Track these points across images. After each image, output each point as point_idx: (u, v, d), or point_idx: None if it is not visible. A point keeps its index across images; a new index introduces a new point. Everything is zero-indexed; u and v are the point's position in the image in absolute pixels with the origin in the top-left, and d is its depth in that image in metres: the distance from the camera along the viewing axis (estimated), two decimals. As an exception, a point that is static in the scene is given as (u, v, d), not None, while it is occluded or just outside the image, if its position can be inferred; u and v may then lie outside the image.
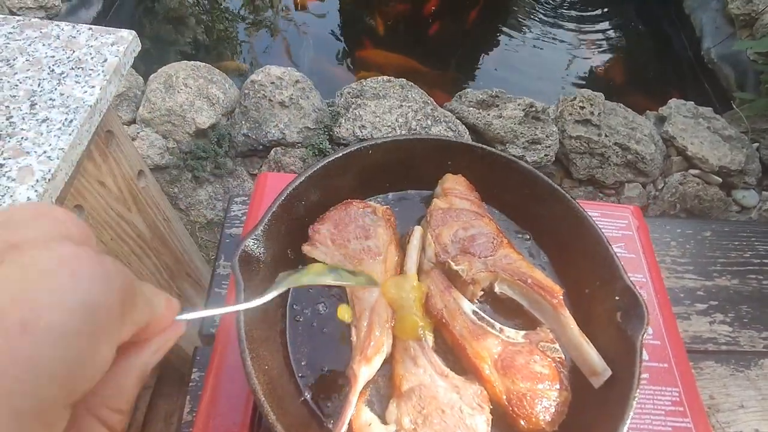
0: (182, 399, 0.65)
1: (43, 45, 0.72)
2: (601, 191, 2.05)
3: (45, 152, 0.62)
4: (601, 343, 0.49)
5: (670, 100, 2.10)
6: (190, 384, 0.66)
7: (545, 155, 1.96)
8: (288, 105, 1.98)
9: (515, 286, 0.51)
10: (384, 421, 0.46)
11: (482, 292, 0.52)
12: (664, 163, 2.02)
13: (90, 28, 0.75)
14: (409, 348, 0.47)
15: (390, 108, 2.02)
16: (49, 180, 0.60)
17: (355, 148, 0.55)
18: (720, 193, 1.98)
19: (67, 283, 0.20)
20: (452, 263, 0.51)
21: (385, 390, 0.49)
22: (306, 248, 0.53)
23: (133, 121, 1.93)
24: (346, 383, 0.48)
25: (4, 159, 0.60)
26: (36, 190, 0.59)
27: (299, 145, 1.98)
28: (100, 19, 2.43)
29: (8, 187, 0.58)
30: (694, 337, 0.76)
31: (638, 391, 0.43)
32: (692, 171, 1.99)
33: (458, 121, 2.04)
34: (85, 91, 0.68)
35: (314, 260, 0.54)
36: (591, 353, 0.47)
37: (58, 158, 0.62)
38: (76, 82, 0.69)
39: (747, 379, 0.74)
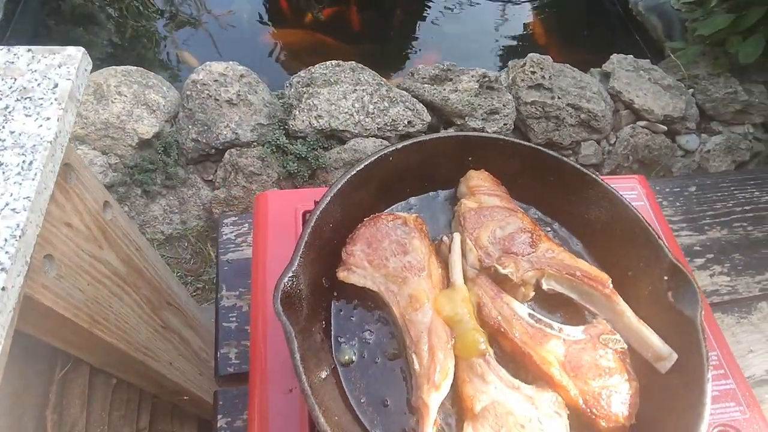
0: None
1: (-27, 75, 0.61)
2: (559, 153, 2.10)
3: (7, 204, 0.53)
4: (655, 326, 0.48)
5: (612, 56, 2.16)
6: (219, 432, 0.60)
7: (504, 125, 1.97)
8: (236, 102, 1.86)
9: (563, 280, 0.50)
10: (461, 446, 0.43)
11: (534, 293, 0.51)
12: (614, 118, 2.10)
13: (29, 50, 0.64)
14: (474, 366, 0.45)
15: (344, 93, 1.95)
16: (19, 237, 0.51)
17: (377, 156, 0.51)
18: (666, 141, 2.09)
19: None
20: (499, 267, 0.49)
21: (454, 412, 0.46)
22: (342, 274, 0.49)
23: (66, 140, 1.74)
24: (414, 414, 0.45)
25: (-42, 220, 0.51)
26: (7, 252, 0.50)
27: (255, 143, 1.88)
28: (4, 27, 2.16)
29: (-29, 254, 0.49)
30: (700, 293, 0.79)
31: (711, 368, 0.43)
32: (640, 123, 2.08)
33: (415, 99, 2.01)
34: (40, 126, 0.58)
35: (352, 286, 0.49)
36: (653, 339, 0.47)
37: (25, 209, 0.53)
38: (26, 115, 0.59)
39: (751, 324, 0.78)
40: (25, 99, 0.60)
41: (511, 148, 0.55)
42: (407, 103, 1.97)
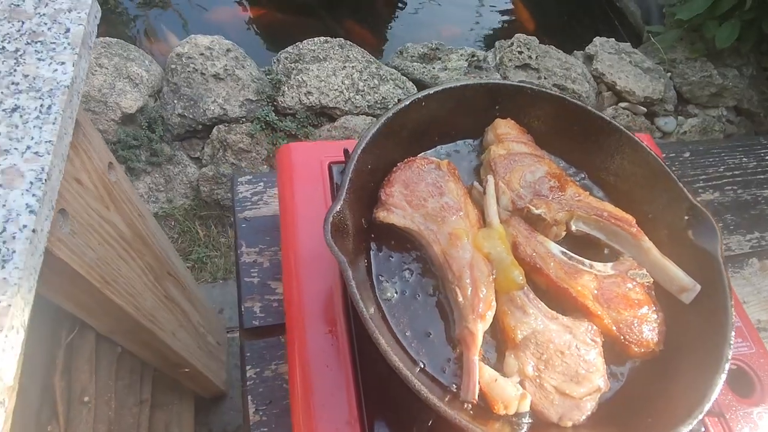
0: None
1: (-20, 17, 0.58)
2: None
3: (29, 147, 0.51)
4: (677, 263, 0.51)
5: (595, 39, 2.21)
6: (248, 383, 0.60)
7: (493, 103, 2.00)
8: (223, 77, 1.82)
9: (592, 221, 0.52)
10: (503, 374, 0.45)
11: (565, 232, 0.53)
12: (597, 99, 2.15)
13: (35, -7, 0.61)
14: (514, 298, 0.46)
15: (334, 70, 1.93)
16: (45, 180, 0.49)
17: (411, 100, 0.51)
18: (646, 122, 2.16)
19: None
20: (532, 207, 0.50)
21: (495, 344, 0.48)
22: (381, 214, 0.49)
23: (46, 113, 1.66)
24: (456, 345, 0.46)
25: (-20, 162, 0.49)
26: (34, 195, 0.48)
27: (243, 120, 1.84)
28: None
29: (-3, 196, 0.47)
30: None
31: (732, 299, 0.46)
32: (621, 104, 2.14)
33: (404, 78, 2.01)
34: (55, 70, 0.56)
35: (388, 227, 0.50)
36: (678, 272, 0.50)
37: (48, 153, 0.51)
38: (39, 59, 0.56)
39: (743, 278, 0.83)
40: (36, 43, 0.58)
41: (538, 96, 0.56)
42: (397, 81, 1.97)
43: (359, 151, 0.46)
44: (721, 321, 0.44)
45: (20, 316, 0.45)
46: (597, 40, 2.22)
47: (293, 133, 1.81)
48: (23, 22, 0.59)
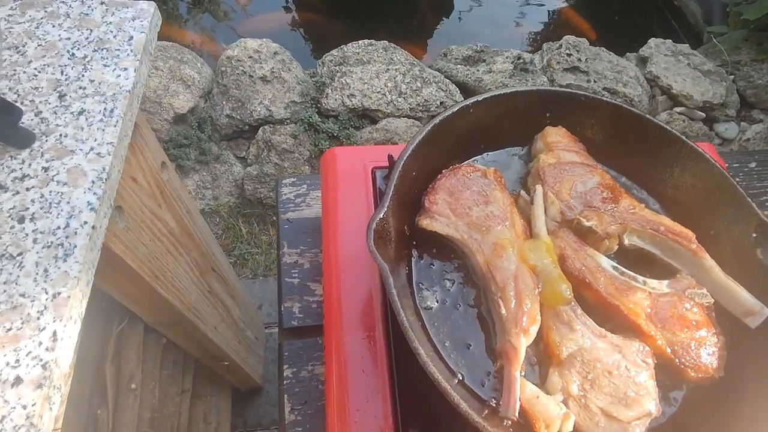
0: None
1: (53, 26, 0.62)
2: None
3: (92, 149, 0.54)
4: (742, 283, 0.48)
5: (650, 40, 2.12)
6: (285, 382, 0.61)
7: (539, 107, 1.95)
8: (270, 79, 1.86)
9: (647, 235, 0.49)
10: (546, 392, 0.43)
11: (617, 246, 0.50)
12: (650, 103, 2.06)
13: (102, 2, 0.64)
14: (561, 313, 0.45)
15: (377, 73, 1.94)
16: (105, 180, 0.52)
17: (458, 107, 0.51)
18: (704, 128, 2.05)
19: None
20: (583, 219, 0.48)
21: (536, 359, 0.46)
22: (425, 222, 0.49)
23: (106, 112, 1.76)
24: (497, 358, 0.45)
25: (48, 161, 0.52)
26: (95, 193, 0.51)
27: (288, 121, 1.88)
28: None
29: (62, 193, 0.50)
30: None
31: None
32: (677, 109, 2.04)
33: (447, 80, 1.99)
34: (118, 75, 0.59)
35: (430, 235, 0.50)
36: (743, 293, 0.46)
37: (109, 154, 0.54)
38: (105, 65, 0.60)
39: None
40: (102, 50, 0.61)
41: (592, 104, 0.54)
42: (440, 84, 1.95)
43: (404, 159, 0.45)
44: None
45: (78, 307, 0.47)
46: (652, 41, 2.13)
47: (335, 134, 1.84)
48: (91, 30, 0.62)
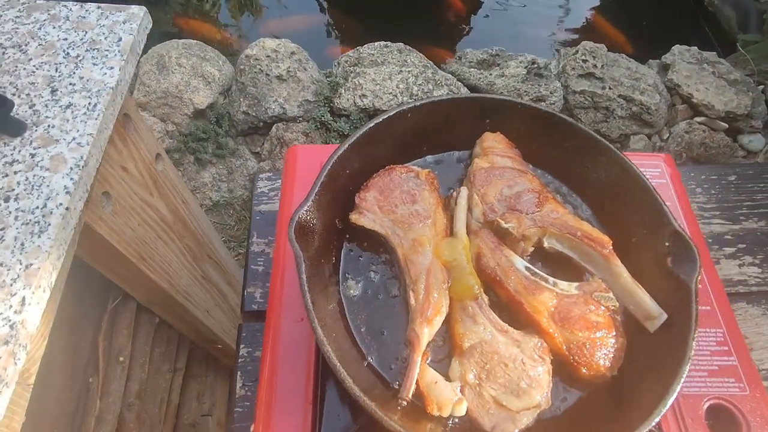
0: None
1: (54, 27, 0.69)
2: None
3: (74, 139, 0.61)
4: (652, 289, 0.50)
5: (673, 47, 2.06)
6: (239, 360, 0.67)
7: (550, 112, 1.94)
8: (286, 78, 1.93)
9: (564, 239, 0.52)
10: (448, 379, 0.47)
11: (533, 248, 0.53)
12: (669, 112, 2.01)
13: (99, 7, 0.72)
14: (467, 307, 0.48)
15: (390, 74, 1.98)
16: (82, 167, 0.59)
17: (395, 112, 0.54)
18: (726, 139, 1.98)
19: None
20: (501, 221, 0.51)
21: (446, 349, 0.50)
22: (354, 217, 0.53)
23: (131, 106, 1.88)
24: (407, 345, 0.49)
25: (35, 149, 0.59)
26: (71, 178, 0.58)
27: (300, 119, 1.95)
28: None
29: (43, 177, 0.58)
30: (725, 281, 0.77)
31: (696, 332, 0.44)
32: (698, 118, 1.98)
33: (460, 83, 2.01)
34: (105, 73, 0.66)
35: (363, 230, 0.54)
36: (645, 298, 0.48)
37: (88, 144, 0.60)
38: (94, 64, 0.67)
39: (771, 317, 0.76)
40: (94, 50, 0.68)
41: (529, 112, 0.57)
42: (452, 87, 1.98)
43: (333, 159, 0.50)
44: (679, 354, 0.43)
45: (47, 278, 0.54)
46: (675, 48, 2.07)
47: (345, 133, 1.89)
48: (86, 32, 0.70)
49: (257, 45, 1.95)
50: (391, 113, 0.55)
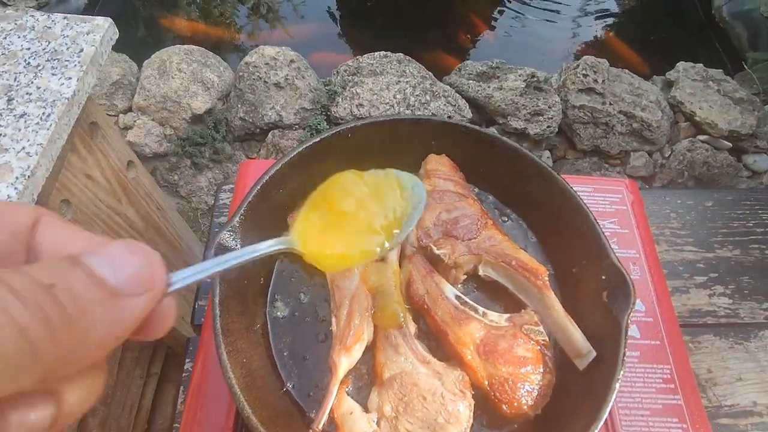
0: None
1: (19, 37, 0.70)
2: (606, 162, 2.01)
3: (23, 148, 0.61)
4: (588, 323, 0.48)
5: (678, 63, 2.02)
6: (184, 374, 0.66)
7: (548, 127, 1.91)
8: (283, 86, 1.94)
9: (499, 268, 0.50)
10: (366, 410, 0.45)
11: (465, 276, 0.51)
12: (671, 129, 1.96)
13: (65, 17, 0.73)
14: (390, 336, 0.47)
15: (387, 84, 1.97)
16: (28, 177, 0.59)
17: (333, 132, 0.54)
18: (730, 159, 1.93)
19: None
20: (434, 247, 0.50)
21: (369, 378, 0.48)
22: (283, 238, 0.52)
23: (130, 109, 1.91)
24: (328, 372, 0.47)
25: (-17, 157, 0.60)
26: (16, 188, 0.58)
27: (297, 126, 1.96)
28: (92, 6, 2.39)
29: (-12, 186, 0.58)
30: (693, 311, 0.74)
31: (623, 372, 0.42)
32: (701, 137, 1.93)
33: (458, 95, 2.00)
34: (62, 84, 0.67)
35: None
36: (575, 334, 0.46)
37: (36, 154, 0.61)
38: (53, 74, 0.67)
39: (746, 351, 0.72)
40: (54, 60, 0.69)
41: (472, 135, 0.55)
42: (449, 98, 1.96)
43: (261, 183, 0.49)
44: (601, 396, 0.41)
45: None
46: (680, 65, 2.03)
47: (340, 142, 1.89)
48: (49, 42, 0.71)
49: (256, 52, 1.96)
50: (329, 133, 0.54)
